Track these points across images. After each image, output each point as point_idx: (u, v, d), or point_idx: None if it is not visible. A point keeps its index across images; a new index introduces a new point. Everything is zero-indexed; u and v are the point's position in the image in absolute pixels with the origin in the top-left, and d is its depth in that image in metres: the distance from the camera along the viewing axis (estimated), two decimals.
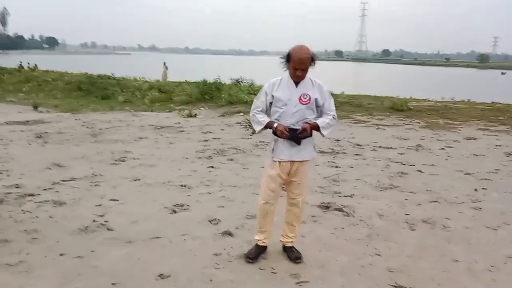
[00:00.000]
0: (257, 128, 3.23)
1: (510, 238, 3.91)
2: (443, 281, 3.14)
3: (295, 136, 3.09)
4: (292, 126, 3.10)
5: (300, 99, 3.11)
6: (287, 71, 3.15)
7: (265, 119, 3.17)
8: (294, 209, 3.35)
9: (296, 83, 3.14)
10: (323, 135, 3.22)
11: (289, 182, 3.28)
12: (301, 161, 3.20)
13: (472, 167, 6.36)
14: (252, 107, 3.28)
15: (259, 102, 3.23)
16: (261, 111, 3.22)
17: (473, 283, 3.14)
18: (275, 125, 3.11)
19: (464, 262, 3.44)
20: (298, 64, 3.02)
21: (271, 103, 3.19)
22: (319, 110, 3.22)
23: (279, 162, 3.19)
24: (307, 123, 3.12)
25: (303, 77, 3.11)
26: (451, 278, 3.18)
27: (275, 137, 3.17)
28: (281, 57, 3.15)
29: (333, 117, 3.22)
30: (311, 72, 3.17)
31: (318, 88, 3.18)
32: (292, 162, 3.18)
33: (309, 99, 3.11)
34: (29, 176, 5.40)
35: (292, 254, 3.40)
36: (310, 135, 3.17)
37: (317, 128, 3.15)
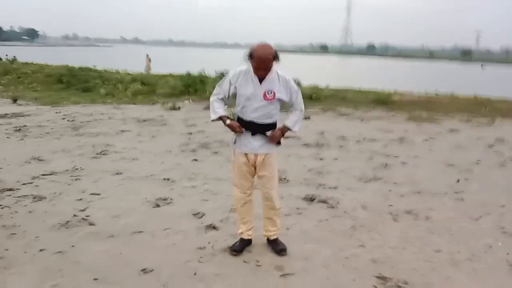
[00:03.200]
0: (212, 116, 3.24)
1: (491, 228, 3.98)
2: (426, 271, 3.17)
3: (258, 131, 3.14)
4: (255, 121, 3.11)
5: (264, 95, 3.09)
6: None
7: (220, 111, 3.19)
8: (270, 204, 3.34)
9: (261, 79, 3.10)
10: (294, 132, 3.29)
11: (260, 176, 3.27)
12: (265, 154, 3.20)
13: (454, 159, 6.44)
14: (214, 91, 3.26)
15: (221, 89, 3.22)
16: (221, 98, 3.22)
17: (455, 272, 3.18)
18: (227, 121, 3.15)
19: (447, 252, 3.48)
20: (260, 63, 3.00)
21: (234, 93, 3.17)
22: (286, 105, 3.23)
23: (244, 153, 3.21)
24: (279, 129, 3.19)
25: (266, 75, 3.08)
26: (433, 268, 3.22)
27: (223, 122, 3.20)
28: (245, 54, 3.10)
29: (300, 111, 3.26)
30: (279, 67, 3.15)
31: (283, 84, 3.15)
32: (256, 154, 3.19)
33: (274, 96, 3.10)
34: (8, 170, 5.26)
35: (276, 246, 3.39)
36: (280, 142, 3.24)
37: (287, 130, 3.22)
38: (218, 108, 3.20)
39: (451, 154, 6.79)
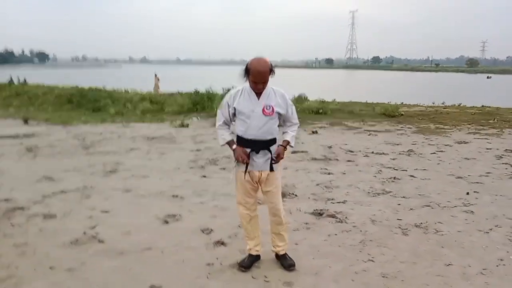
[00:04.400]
0: (220, 142, 3.30)
1: (502, 241, 3.93)
2: (437, 286, 3.14)
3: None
4: (257, 138, 3.13)
5: (263, 110, 3.11)
6: (247, 82, 3.15)
7: (226, 137, 3.24)
8: (276, 219, 3.34)
9: (258, 95, 3.14)
10: (291, 147, 3.31)
11: (265, 192, 3.28)
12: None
13: (463, 171, 6.40)
14: (217, 118, 3.30)
15: (222, 114, 3.25)
16: (225, 123, 3.26)
17: (467, 286, 3.14)
18: (233, 147, 3.18)
19: (458, 266, 3.44)
20: (257, 78, 3.03)
21: (234, 113, 3.20)
22: (282, 119, 3.25)
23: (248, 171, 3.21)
24: (281, 145, 3.20)
25: (263, 89, 3.12)
26: (445, 283, 3.18)
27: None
28: (241, 71, 3.15)
29: (297, 126, 3.32)
30: (272, 82, 3.18)
31: (280, 98, 3.18)
32: (260, 171, 3.20)
33: (272, 111, 3.13)
34: (20, 189, 5.34)
35: (285, 261, 3.38)
36: (283, 156, 3.24)
37: (288, 144, 3.25)
38: (223, 135, 3.25)
39: (460, 166, 6.74)
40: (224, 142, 3.25)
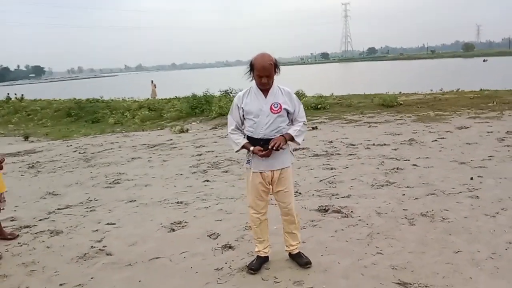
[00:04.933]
0: (234, 148, 3.25)
1: (509, 224, 3.91)
2: (448, 273, 3.13)
3: (269, 150, 3.08)
4: (267, 137, 3.10)
5: (271, 108, 3.10)
6: (254, 81, 3.15)
7: (241, 141, 3.18)
8: (290, 218, 3.33)
9: (265, 93, 3.13)
10: (298, 143, 3.25)
11: (276, 192, 3.26)
12: (281, 169, 3.20)
13: (466, 156, 6.38)
14: (228, 123, 3.27)
15: (233, 117, 3.22)
16: (237, 127, 3.22)
17: (477, 272, 3.13)
18: (251, 148, 3.13)
19: (467, 252, 3.43)
20: (262, 71, 3.02)
21: (244, 115, 3.18)
22: (290, 118, 3.22)
23: (260, 172, 3.19)
24: (282, 135, 3.12)
25: (269, 84, 3.10)
26: (455, 270, 3.17)
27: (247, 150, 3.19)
28: (246, 68, 3.15)
29: (304, 123, 3.25)
30: (278, 80, 3.18)
31: (287, 96, 3.18)
32: (272, 170, 3.18)
33: (280, 108, 3.11)
34: (24, 207, 5.35)
35: (301, 260, 3.38)
36: (283, 148, 3.14)
37: (291, 138, 3.17)
38: (237, 139, 3.20)
39: (462, 151, 6.73)
40: (240, 146, 3.18)
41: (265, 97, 3.13)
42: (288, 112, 3.18)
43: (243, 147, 3.17)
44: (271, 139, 3.10)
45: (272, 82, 3.13)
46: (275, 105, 3.11)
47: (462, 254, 3.40)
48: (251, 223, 3.38)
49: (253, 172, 3.19)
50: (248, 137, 3.19)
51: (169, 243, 3.99)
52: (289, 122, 3.22)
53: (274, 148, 3.05)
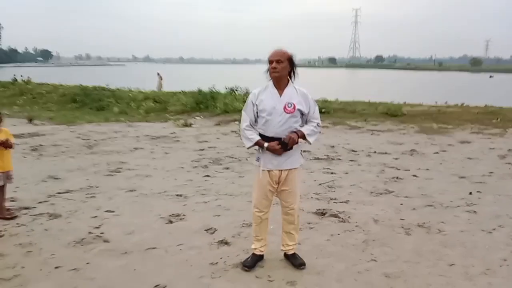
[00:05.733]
0: (247, 144, 3.24)
1: (505, 241, 3.94)
2: (440, 286, 3.15)
3: (284, 146, 3.12)
4: (278, 136, 3.12)
5: (285, 108, 3.12)
6: (271, 81, 3.18)
7: (255, 137, 3.18)
8: (289, 218, 3.36)
9: (280, 92, 3.15)
10: (309, 143, 3.27)
11: (280, 191, 3.29)
12: (289, 169, 3.22)
13: (466, 171, 6.40)
14: (242, 120, 3.28)
15: (247, 114, 3.23)
16: (251, 124, 3.23)
17: (470, 287, 3.15)
18: (265, 144, 3.13)
19: (461, 266, 3.45)
20: (272, 55, 3.08)
21: (257, 112, 3.20)
22: (304, 118, 3.24)
23: (268, 170, 3.20)
24: (294, 132, 3.14)
25: (279, 72, 3.10)
26: (448, 283, 3.19)
27: (260, 147, 3.20)
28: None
29: (317, 125, 3.26)
30: (297, 82, 3.21)
31: (302, 97, 3.20)
32: (281, 170, 3.20)
33: (294, 108, 3.13)
34: (25, 189, 5.38)
35: (295, 260, 3.41)
36: (297, 142, 3.19)
37: (303, 136, 3.19)
38: (251, 135, 3.20)
39: (463, 166, 6.75)
40: (252, 142, 3.17)
41: (280, 96, 3.15)
42: (302, 113, 3.19)
43: (256, 143, 3.17)
44: (283, 140, 3.11)
45: (286, 74, 3.15)
46: (289, 105, 3.12)
47: (456, 268, 3.43)
48: (252, 221, 3.41)
49: (262, 170, 3.21)
50: (260, 135, 3.20)
51: (166, 235, 4.02)
52: (301, 123, 3.23)
53: (289, 141, 3.08)
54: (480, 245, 3.85)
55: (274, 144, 3.11)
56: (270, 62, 3.10)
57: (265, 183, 3.23)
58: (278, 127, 3.13)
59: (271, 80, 3.18)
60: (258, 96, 3.19)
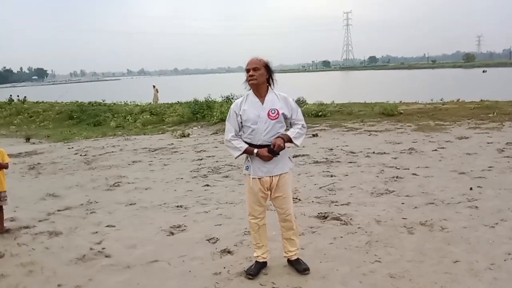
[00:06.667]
0: (235, 153, 3.23)
1: (508, 235, 3.92)
2: (446, 283, 3.13)
3: (273, 152, 3.13)
4: (265, 143, 3.13)
5: (269, 115, 3.13)
6: (251, 90, 3.19)
7: (243, 145, 3.18)
8: (288, 224, 3.35)
9: (262, 100, 3.16)
10: (296, 145, 3.28)
11: (275, 198, 3.28)
12: (280, 174, 3.22)
13: (466, 166, 6.39)
14: (226, 131, 3.27)
15: (231, 124, 3.23)
16: (236, 135, 3.23)
17: (475, 283, 3.13)
18: (255, 151, 3.14)
19: (465, 262, 3.43)
20: (249, 64, 3.12)
21: (241, 122, 3.20)
22: (288, 122, 3.26)
23: (259, 178, 3.20)
24: (279, 137, 3.14)
25: (256, 79, 3.11)
26: (453, 280, 3.17)
27: (249, 154, 3.20)
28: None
29: (302, 126, 3.27)
30: (278, 88, 3.22)
31: (284, 101, 3.21)
32: (271, 176, 3.20)
33: (278, 114, 3.15)
34: (24, 208, 5.36)
35: (299, 266, 3.38)
36: (284, 147, 3.18)
37: (289, 139, 3.19)
38: (238, 144, 3.19)
39: (462, 162, 6.74)
40: (241, 151, 3.17)
41: (262, 104, 3.16)
42: (285, 117, 3.21)
43: (245, 151, 3.17)
44: (270, 145, 3.12)
45: (264, 81, 3.15)
46: (273, 111, 3.14)
47: (460, 264, 3.41)
48: (250, 229, 3.40)
49: (252, 178, 3.21)
50: (247, 144, 3.20)
51: (168, 247, 3.99)
52: (287, 128, 3.25)
53: (275, 148, 3.08)
54: (483, 240, 3.83)
55: (263, 150, 3.12)
56: (247, 70, 3.13)
57: (257, 191, 3.22)
58: (265, 134, 3.14)
59: (251, 90, 3.19)
60: (241, 106, 3.20)
